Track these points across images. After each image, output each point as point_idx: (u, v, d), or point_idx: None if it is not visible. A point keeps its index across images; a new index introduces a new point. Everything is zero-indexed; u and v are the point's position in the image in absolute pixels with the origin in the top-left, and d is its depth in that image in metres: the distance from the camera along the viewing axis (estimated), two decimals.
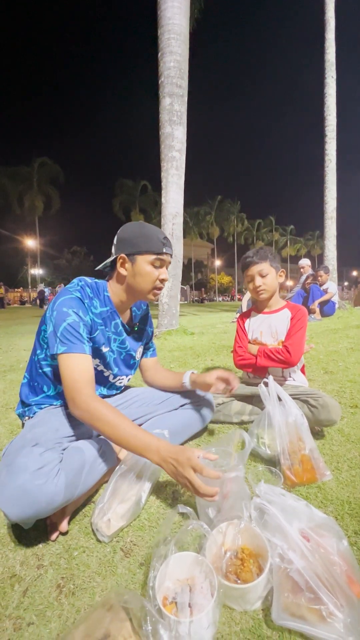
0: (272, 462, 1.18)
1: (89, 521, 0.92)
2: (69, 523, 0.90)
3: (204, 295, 42.21)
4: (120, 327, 1.15)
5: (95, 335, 1.06)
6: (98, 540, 0.87)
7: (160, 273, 1.07)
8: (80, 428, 1.05)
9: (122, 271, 1.06)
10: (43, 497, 0.78)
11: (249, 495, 0.89)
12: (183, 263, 4.84)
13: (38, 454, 0.84)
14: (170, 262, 1.10)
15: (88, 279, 1.10)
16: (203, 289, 47.58)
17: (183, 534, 0.75)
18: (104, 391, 1.22)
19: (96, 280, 1.12)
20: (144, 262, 1.04)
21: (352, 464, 1.15)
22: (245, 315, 1.66)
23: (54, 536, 0.86)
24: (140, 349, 1.28)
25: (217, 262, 46.80)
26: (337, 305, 5.96)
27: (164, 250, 1.06)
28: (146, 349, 1.34)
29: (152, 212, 32.65)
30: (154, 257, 1.04)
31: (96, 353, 1.09)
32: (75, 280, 1.07)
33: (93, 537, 0.88)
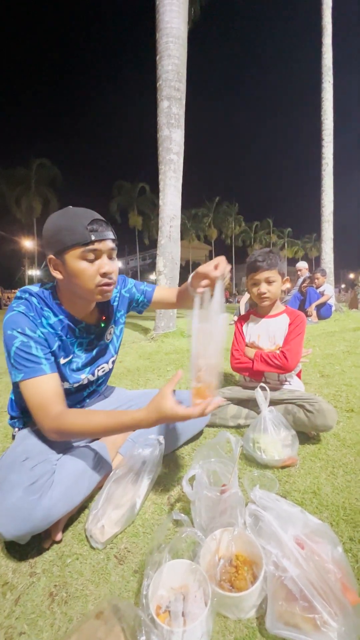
0: (267, 467, 1.17)
1: (82, 527, 0.91)
2: (62, 531, 0.89)
3: None
4: (85, 332, 1.03)
5: (54, 348, 0.94)
6: (92, 547, 0.86)
7: (99, 266, 0.89)
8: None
9: (57, 275, 0.91)
10: (39, 513, 0.77)
11: (243, 501, 0.89)
12: (180, 265, 4.84)
13: (29, 468, 0.82)
14: (112, 249, 0.91)
15: (34, 288, 0.96)
16: None
17: (177, 541, 0.75)
18: (92, 387, 1.15)
19: (45, 287, 0.97)
20: (73, 259, 0.87)
21: (347, 469, 1.14)
22: (243, 319, 1.66)
23: (47, 544, 0.85)
24: (111, 329, 1.14)
25: None
26: (333, 308, 5.97)
27: (93, 238, 0.85)
28: (136, 302, 1.21)
29: (151, 214, 32.67)
30: (81, 249, 0.85)
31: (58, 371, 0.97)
32: (18, 292, 0.94)
33: (87, 543, 0.87)
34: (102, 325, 1.09)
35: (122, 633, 0.60)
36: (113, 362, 1.19)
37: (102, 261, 0.89)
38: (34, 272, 33.02)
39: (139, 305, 1.24)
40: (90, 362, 1.08)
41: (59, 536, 0.87)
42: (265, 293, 1.46)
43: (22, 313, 0.89)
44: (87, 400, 1.18)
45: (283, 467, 1.17)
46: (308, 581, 0.64)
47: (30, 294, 0.93)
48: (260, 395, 1.23)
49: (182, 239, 4.86)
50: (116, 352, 1.20)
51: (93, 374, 1.10)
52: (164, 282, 4.47)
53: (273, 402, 1.35)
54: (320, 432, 1.36)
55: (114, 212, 32.21)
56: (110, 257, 0.92)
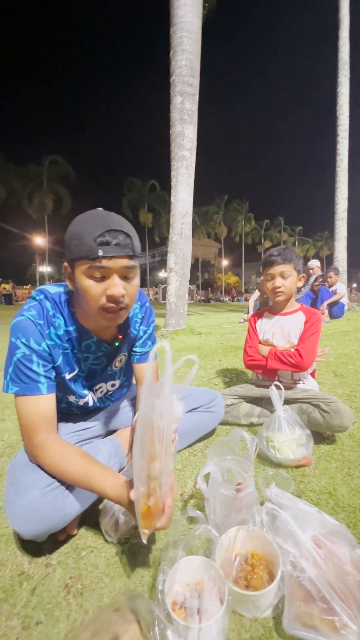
0: (281, 467, 1.16)
1: (96, 521, 0.91)
2: (77, 524, 0.90)
3: (211, 295, 42.12)
4: (94, 347, 0.93)
5: (58, 363, 0.87)
6: (106, 541, 0.86)
7: (106, 287, 0.75)
8: (85, 434, 1.05)
9: (69, 284, 0.81)
10: (55, 513, 0.77)
11: (258, 500, 0.88)
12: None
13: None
14: (126, 267, 0.76)
15: (52, 289, 0.87)
16: (210, 288, 47.46)
17: (192, 538, 0.74)
18: (97, 403, 1.05)
19: (63, 290, 0.88)
20: (80, 273, 0.75)
21: None
22: (257, 315, 1.64)
23: (62, 536, 0.86)
24: (122, 357, 1.04)
25: (224, 262, 46.70)
26: (346, 307, 5.88)
27: (100, 254, 0.71)
28: (132, 352, 1.07)
29: (161, 211, 32.64)
30: (87, 265, 0.73)
31: (61, 386, 0.91)
32: (34, 292, 0.86)
33: (101, 537, 0.87)
34: (117, 344, 0.98)
35: (138, 627, 0.60)
36: (112, 385, 1.07)
37: (111, 281, 0.75)
38: (45, 269, 33.44)
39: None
40: (90, 379, 0.99)
41: (73, 530, 0.88)
42: (279, 287, 1.43)
43: (31, 320, 0.81)
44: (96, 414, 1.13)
45: (297, 467, 1.15)
46: (327, 582, 0.63)
47: (46, 297, 0.85)
48: (275, 394, 1.21)
49: (192, 236, 4.81)
50: (119, 379, 1.08)
51: (93, 393, 1.02)
52: (175, 279, 4.46)
53: (287, 401, 1.33)
54: (336, 432, 1.34)
55: (124, 209, 32.29)
56: (124, 277, 0.77)
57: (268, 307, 1.62)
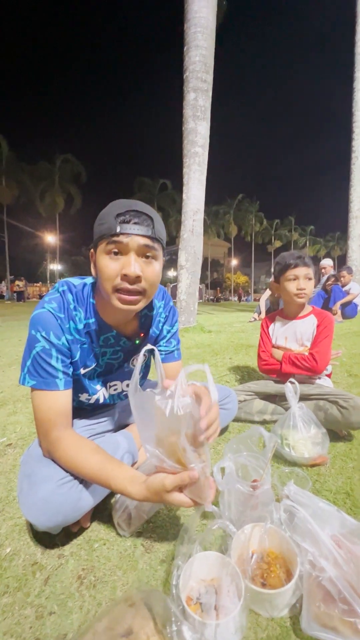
0: (296, 465, 1.13)
1: (109, 514, 0.91)
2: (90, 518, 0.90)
3: (219, 295, 41.96)
4: (112, 341, 0.91)
5: (76, 358, 0.85)
6: (118, 534, 0.85)
7: (122, 265, 0.74)
8: (97, 428, 1.04)
9: (93, 271, 0.80)
10: (69, 506, 0.76)
11: (273, 498, 0.86)
12: None
13: None
14: (145, 245, 0.74)
15: (75, 281, 0.86)
16: (218, 288, 47.30)
17: (208, 533, 0.73)
18: (107, 400, 1.02)
19: (86, 281, 0.88)
20: (100, 253, 0.76)
21: None
22: (269, 319, 1.63)
23: (75, 528, 0.85)
24: (140, 357, 1.04)
25: (234, 262, 46.43)
26: (359, 307, 5.77)
27: (118, 230, 0.72)
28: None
29: (170, 210, 32.66)
30: (106, 241, 0.73)
31: (76, 383, 0.90)
32: (57, 284, 0.85)
33: (113, 530, 0.87)
34: (137, 342, 0.95)
35: (152, 621, 0.59)
36: (128, 385, 1.04)
37: (127, 259, 0.74)
38: (56, 267, 33.83)
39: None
40: (105, 374, 0.97)
41: (87, 523, 0.87)
42: (305, 289, 1.43)
43: (52, 313, 0.80)
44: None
45: (312, 466, 1.13)
46: (348, 583, 0.61)
47: (69, 288, 0.84)
48: (290, 390, 1.19)
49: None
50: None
51: (106, 389, 1.00)
52: (186, 276, 4.45)
53: (303, 398, 1.31)
54: (354, 430, 1.30)
55: None
56: (142, 255, 0.76)
57: (280, 310, 1.61)
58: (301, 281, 1.42)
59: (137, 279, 0.75)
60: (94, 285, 0.87)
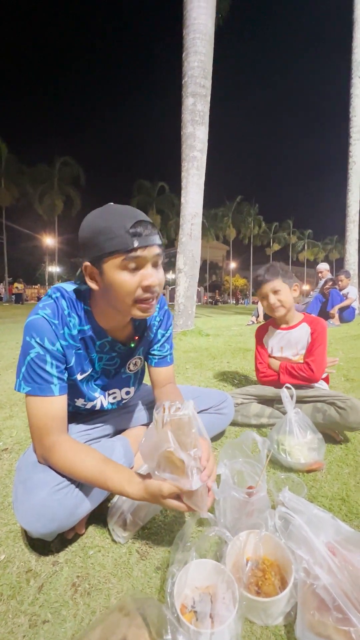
0: (292, 471, 1.14)
1: (104, 520, 0.90)
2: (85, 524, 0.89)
3: (218, 297, 42.02)
4: (108, 347, 0.92)
5: (71, 364, 0.85)
6: (113, 541, 0.85)
7: (142, 278, 0.76)
8: (93, 433, 1.04)
9: (93, 285, 0.79)
10: (64, 512, 0.76)
11: (269, 504, 0.86)
12: None
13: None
14: (158, 254, 0.77)
15: (68, 287, 0.86)
16: (217, 290, 47.38)
17: (203, 540, 0.73)
18: (108, 405, 1.03)
19: (80, 287, 0.87)
20: (112, 268, 0.74)
21: None
22: (262, 330, 1.63)
23: (70, 535, 0.85)
24: (137, 360, 1.03)
25: (232, 265, 46.55)
26: (357, 312, 5.79)
27: (136, 244, 0.72)
28: (149, 354, 1.06)
29: (169, 213, 32.76)
30: (122, 257, 0.73)
31: (72, 388, 0.90)
32: (50, 290, 0.85)
33: (108, 536, 0.86)
34: (132, 345, 0.97)
35: (146, 629, 0.59)
36: (127, 393, 1.06)
37: (146, 271, 0.76)
38: (54, 269, 33.81)
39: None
40: (104, 382, 0.98)
41: (82, 529, 0.87)
42: (275, 303, 1.44)
43: (46, 319, 0.79)
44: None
45: (308, 472, 1.13)
46: (342, 591, 0.61)
47: (62, 295, 0.84)
48: (286, 395, 1.19)
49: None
50: (134, 386, 1.07)
51: (105, 397, 1.01)
52: (184, 279, 4.46)
53: (301, 400, 1.32)
54: (353, 430, 1.30)
55: None
56: (155, 266, 0.78)
57: (272, 320, 1.60)
58: (270, 298, 1.45)
59: (156, 287, 0.79)
60: (86, 291, 0.87)
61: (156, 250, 0.77)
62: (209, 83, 4.50)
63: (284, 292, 1.44)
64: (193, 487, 0.65)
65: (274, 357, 1.54)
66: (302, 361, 1.46)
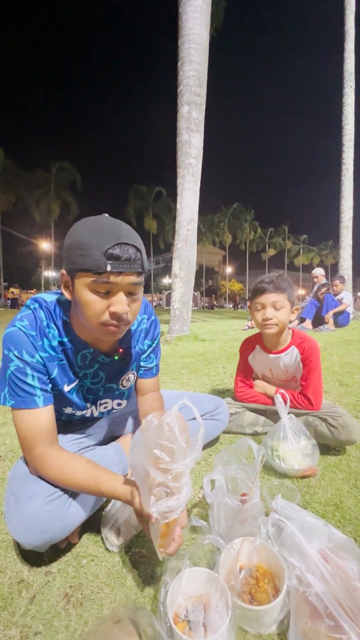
0: (286, 477, 1.14)
1: (98, 529, 0.90)
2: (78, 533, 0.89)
3: (214, 302, 42.11)
4: (90, 358, 0.88)
5: (54, 375, 0.83)
6: (107, 549, 0.84)
7: (110, 304, 0.71)
8: (86, 442, 1.03)
9: (66, 293, 0.76)
10: (57, 524, 0.75)
11: (262, 511, 0.86)
12: None
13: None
14: (133, 284, 0.72)
15: (48, 297, 0.83)
16: (213, 295, 47.52)
17: (197, 548, 0.73)
18: (98, 414, 1.02)
19: (60, 297, 0.83)
20: (82, 286, 0.70)
21: None
22: (248, 347, 1.50)
23: (63, 544, 0.84)
24: (130, 375, 1.01)
25: (229, 269, 46.79)
26: (351, 316, 5.84)
27: (109, 269, 0.66)
28: (137, 368, 1.03)
29: (166, 218, 32.90)
30: (92, 279, 0.68)
31: (60, 397, 0.87)
32: (28, 301, 0.82)
33: (102, 545, 0.86)
34: (116, 358, 0.92)
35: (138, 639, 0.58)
36: (119, 404, 1.05)
37: (116, 298, 0.71)
38: (50, 274, 33.73)
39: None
40: (92, 393, 0.95)
41: (75, 538, 0.86)
42: (270, 319, 1.27)
43: (23, 331, 0.77)
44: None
45: (302, 478, 1.13)
46: (334, 598, 0.61)
47: (40, 306, 0.81)
48: (280, 401, 1.19)
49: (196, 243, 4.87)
50: (126, 399, 1.06)
51: (96, 407, 0.99)
52: (180, 285, 4.47)
53: (292, 412, 1.31)
54: (342, 446, 1.31)
55: (129, 215, 32.59)
56: (130, 294, 0.74)
57: (260, 338, 1.47)
58: (267, 310, 1.28)
59: (125, 315, 0.73)
60: (66, 302, 0.83)
61: (132, 279, 0.71)
62: (204, 91, 4.57)
63: (285, 310, 1.29)
64: (147, 510, 0.63)
65: (264, 378, 1.49)
66: (293, 381, 1.42)
